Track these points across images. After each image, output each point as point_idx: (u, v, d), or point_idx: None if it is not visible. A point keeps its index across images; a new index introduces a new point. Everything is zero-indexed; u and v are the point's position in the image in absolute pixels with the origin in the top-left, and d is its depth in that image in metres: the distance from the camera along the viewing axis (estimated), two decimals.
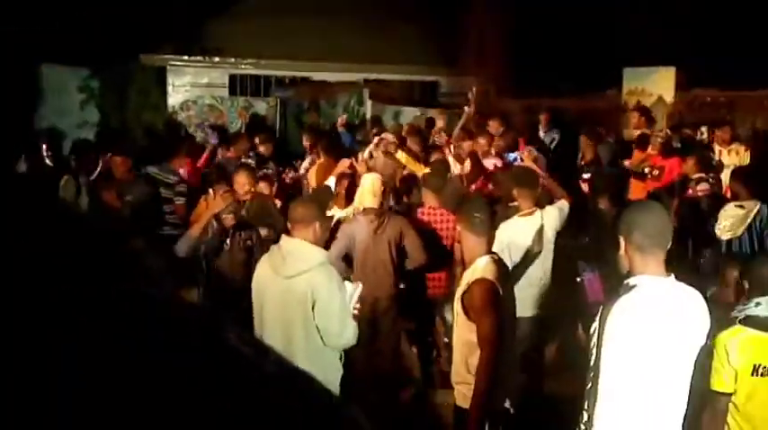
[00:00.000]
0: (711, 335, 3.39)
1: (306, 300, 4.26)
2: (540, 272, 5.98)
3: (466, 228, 4.22)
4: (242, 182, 6.83)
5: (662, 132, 9.81)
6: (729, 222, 6.35)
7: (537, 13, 14.79)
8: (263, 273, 4.55)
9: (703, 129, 10.68)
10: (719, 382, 3.57)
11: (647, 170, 9.19)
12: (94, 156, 8.48)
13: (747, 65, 11.42)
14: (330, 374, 4.32)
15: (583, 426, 3.28)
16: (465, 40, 16.72)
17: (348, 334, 4.38)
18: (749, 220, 6.36)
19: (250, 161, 9.11)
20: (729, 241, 6.35)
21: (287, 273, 4.34)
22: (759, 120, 11.01)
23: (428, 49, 16.44)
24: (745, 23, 11.82)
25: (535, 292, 5.94)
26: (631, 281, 3.10)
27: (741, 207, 6.48)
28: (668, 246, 3.17)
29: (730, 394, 3.58)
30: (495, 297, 3.95)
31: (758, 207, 6.45)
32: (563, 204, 6.28)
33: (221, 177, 7.35)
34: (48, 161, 8.73)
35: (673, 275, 3.16)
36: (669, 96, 12.90)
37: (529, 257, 5.92)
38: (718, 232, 6.37)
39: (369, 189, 6.25)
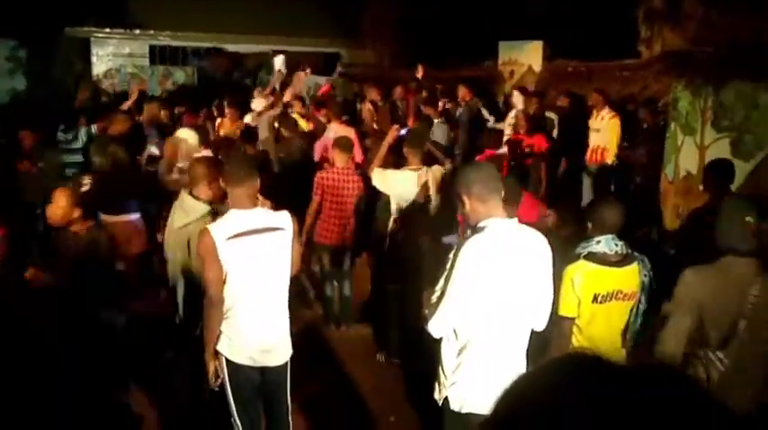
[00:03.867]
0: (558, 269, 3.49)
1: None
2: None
3: None
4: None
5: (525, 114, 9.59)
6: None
7: None
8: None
9: (562, 97, 10.78)
10: (565, 308, 3.67)
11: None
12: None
13: (603, 38, 11.64)
14: None
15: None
16: (364, 15, 16.60)
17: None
18: None
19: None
20: None
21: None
22: (613, 88, 11.24)
23: (331, 23, 16.28)
24: None
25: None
26: (481, 223, 3.17)
27: None
28: (502, 195, 3.24)
29: (574, 318, 3.69)
30: None
31: None
32: (445, 166, 6.31)
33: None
34: None
35: (516, 219, 3.25)
36: (537, 66, 13.11)
37: (415, 206, 5.98)
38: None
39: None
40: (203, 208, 4.32)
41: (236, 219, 3.68)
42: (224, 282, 3.69)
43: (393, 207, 6.08)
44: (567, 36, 12.50)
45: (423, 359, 5.43)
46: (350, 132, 8.55)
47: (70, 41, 15.27)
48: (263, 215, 3.78)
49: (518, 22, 13.31)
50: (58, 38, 14.89)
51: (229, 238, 3.62)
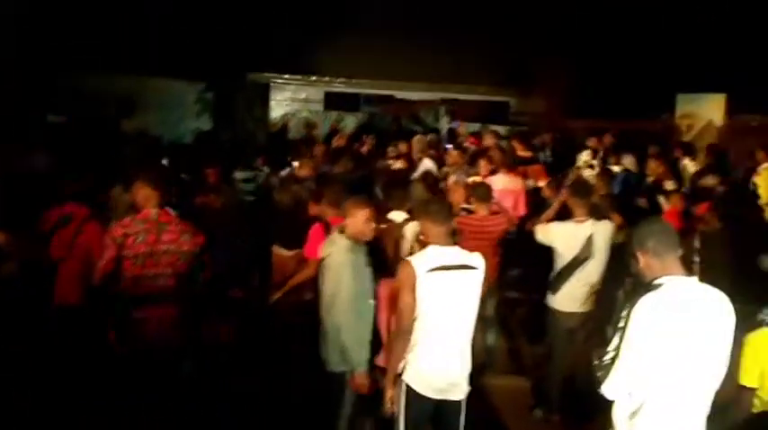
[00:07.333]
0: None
1: None
2: (585, 275, 5.78)
3: None
4: None
5: None
6: None
7: (600, 44, 14.46)
8: None
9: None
10: (747, 378, 3.46)
11: None
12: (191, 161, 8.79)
13: None
14: None
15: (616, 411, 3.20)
16: (536, 64, 16.53)
17: None
18: None
19: None
20: None
21: None
22: None
23: (500, 72, 16.33)
24: None
25: (582, 292, 5.80)
26: (657, 281, 3.06)
27: None
28: (679, 251, 3.13)
29: (755, 389, 3.46)
30: None
31: None
32: (614, 223, 6.02)
33: None
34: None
35: (696, 277, 3.10)
36: (718, 121, 12.51)
37: (577, 261, 5.78)
38: None
39: None
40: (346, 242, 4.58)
41: (435, 253, 3.92)
42: (416, 314, 3.89)
43: (556, 261, 5.92)
44: (752, 90, 11.84)
45: (585, 417, 5.28)
46: (516, 182, 8.44)
47: (252, 86, 16.26)
48: (459, 253, 4.00)
49: (698, 74, 12.78)
50: (242, 83, 15.92)
51: (429, 271, 3.84)
